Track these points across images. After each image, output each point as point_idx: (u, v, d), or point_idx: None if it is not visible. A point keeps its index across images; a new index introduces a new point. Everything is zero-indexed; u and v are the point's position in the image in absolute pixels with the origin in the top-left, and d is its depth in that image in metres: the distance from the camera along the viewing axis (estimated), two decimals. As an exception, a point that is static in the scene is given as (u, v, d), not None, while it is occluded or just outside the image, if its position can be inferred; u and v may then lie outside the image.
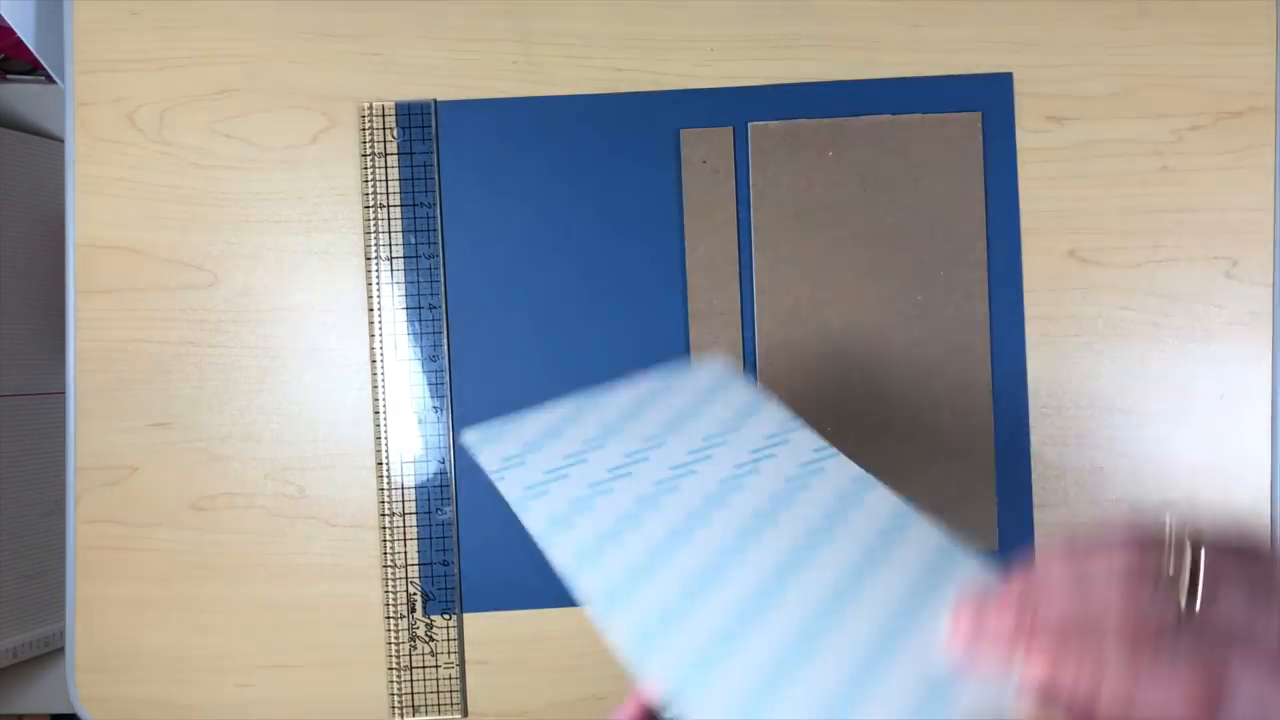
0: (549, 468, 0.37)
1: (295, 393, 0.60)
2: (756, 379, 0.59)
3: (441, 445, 0.59)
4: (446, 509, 0.59)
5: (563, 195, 0.60)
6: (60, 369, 0.92)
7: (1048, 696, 0.27)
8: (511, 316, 0.60)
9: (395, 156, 0.59)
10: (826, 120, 0.59)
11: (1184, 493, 0.60)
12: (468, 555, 0.59)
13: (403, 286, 0.59)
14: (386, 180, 0.59)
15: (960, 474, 0.59)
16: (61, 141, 0.60)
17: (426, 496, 0.59)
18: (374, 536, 0.59)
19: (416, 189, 0.59)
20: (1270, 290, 0.60)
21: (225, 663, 0.59)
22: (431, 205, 0.59)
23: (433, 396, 0.59)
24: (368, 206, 0.59)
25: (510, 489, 0.36)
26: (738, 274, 0.59)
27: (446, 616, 0.59)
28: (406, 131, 0.59)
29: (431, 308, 0.59)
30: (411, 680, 0.59)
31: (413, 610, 0.59)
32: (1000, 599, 0.30)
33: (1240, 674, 0.25)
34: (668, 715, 0.32)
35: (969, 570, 0.33)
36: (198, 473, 0.59)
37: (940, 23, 0.60)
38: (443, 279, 0.59)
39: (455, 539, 0.59)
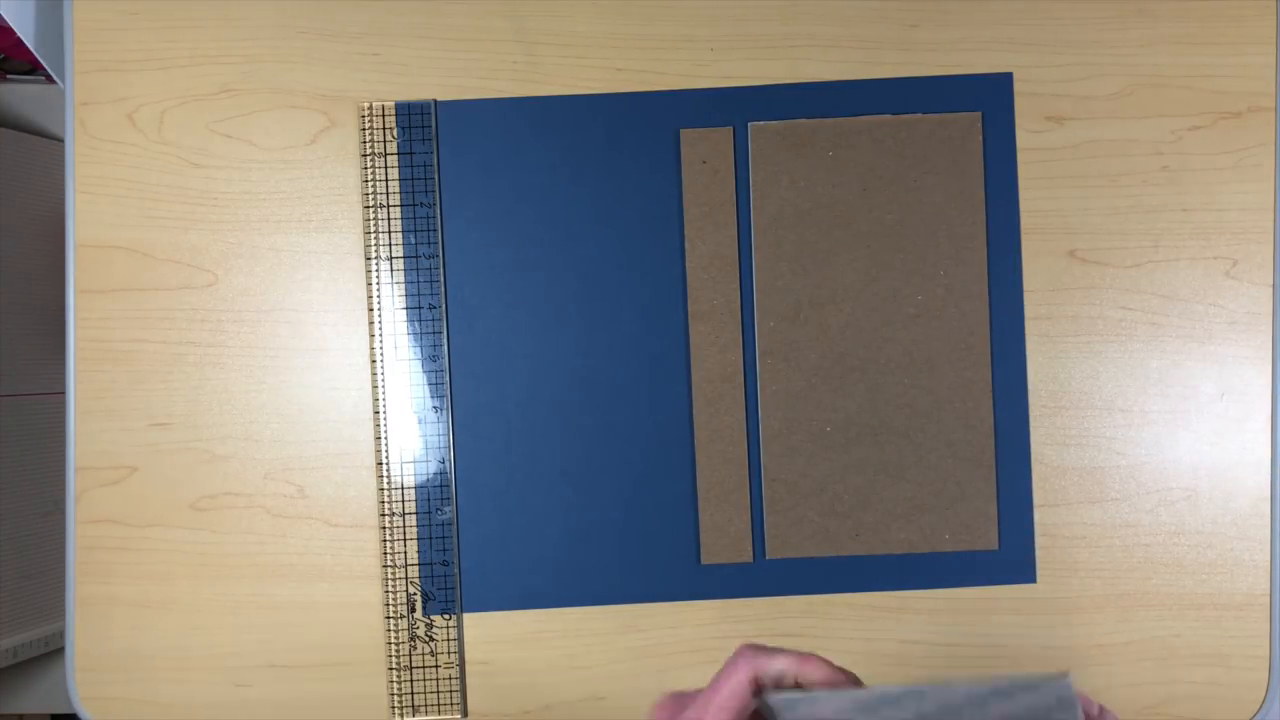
0: None
1: (295, 393, 0.60)
2: (757, 379, 0.59)
3: (441, 445, 0.59)
4: (446, 509, 0.59)
5: (563, 195, 0.60)
6: (60, 369, 0.92)
7: None
8: (511, 316, 0.60)
9: (395, 156, 0.59)
10: (826, 120, 0.59)
11: (1184, 493, 0.60)
12: (468, 555, 0.59)
13: (403, 286, 0.59)
14: (386, 180, 0.59)
15: (960, 474, 0.59)
16: (61, 141, 0.60)
17: (426, 496, 0.59)
18: (374, 536, 0.59)
19: (416, 189, 0.59)
20: (1270, 290, 0.60)
21: (225, 663, 0.59)
22: (431, 205, 0.59)
23: (433, 396, 0.59)
24: (368, 206, 0.59)
25: None
26: (738, 274, 0.59)
27: (446, 616, 0.59)
28: (406, 131, 0.59)
29: (431, 308, 0.59)
30: (411, 680, 0.59)
31: (413, 610, 0.59)
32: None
33: None
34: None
35: None
36: (198, 473, 0.59)
37: (940, 23, 0.60)
38: (443, 279, 0.59)
39: (455, 539, 0.59)
